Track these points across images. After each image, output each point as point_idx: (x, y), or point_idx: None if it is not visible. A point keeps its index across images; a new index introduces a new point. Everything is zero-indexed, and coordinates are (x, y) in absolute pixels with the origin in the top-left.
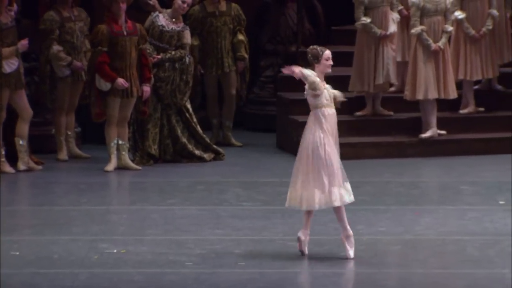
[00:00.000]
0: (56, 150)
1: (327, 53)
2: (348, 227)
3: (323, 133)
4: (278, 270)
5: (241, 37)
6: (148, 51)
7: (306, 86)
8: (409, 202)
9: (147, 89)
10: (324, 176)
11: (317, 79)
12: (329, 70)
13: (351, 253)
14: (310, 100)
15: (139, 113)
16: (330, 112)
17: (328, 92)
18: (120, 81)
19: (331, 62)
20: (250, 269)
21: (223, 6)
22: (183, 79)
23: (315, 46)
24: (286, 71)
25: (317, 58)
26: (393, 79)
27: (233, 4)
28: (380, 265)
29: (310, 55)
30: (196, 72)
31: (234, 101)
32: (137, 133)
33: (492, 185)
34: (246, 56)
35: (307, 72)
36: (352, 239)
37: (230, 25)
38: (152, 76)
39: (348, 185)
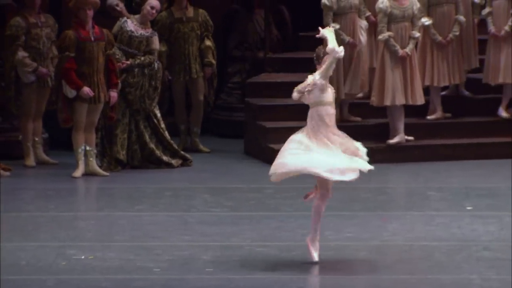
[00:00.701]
0: (24, 156)
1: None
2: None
3: (326, 130)
4: (246, 276)
5: (208, 43)
6: (117, 56)
7: (316, 76)
8: (376, 208)
9: (114, 94)
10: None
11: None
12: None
13: (316, 255)
14: (315, 96)
15: (106, 118)
16: (332, 111)
17: (331, 91)
18: (86, 89)
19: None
20: (218, 275)
21: (190, 12)
22: (152, 84)
23: (322, 47)
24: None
25: (322, 57)
26: (365, 86)
27: (201, 10)
28: (347, 271)
29: (322, 53)
30: (163, 78)
31: (202, 107)
32: (106, 139)
33: (459, 191)
34: (214, 62)
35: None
36: (318, 243)
37: (198, 31)
38: (119, 81)
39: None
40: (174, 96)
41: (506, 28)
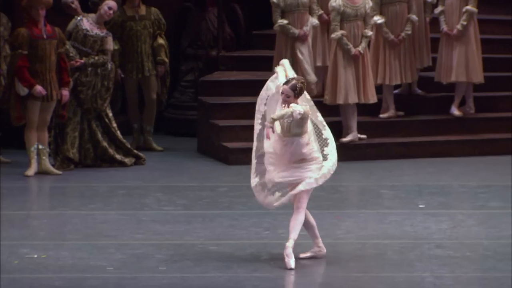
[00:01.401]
0: None
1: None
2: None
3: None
4: (199, 274)
5: (161, 41)
6: (71, 54)
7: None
8: (330, 206)
9: (65, 93)
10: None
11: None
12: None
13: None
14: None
15: (58, 117)
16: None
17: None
18: (38, 88)
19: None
20: (172, 274)
21: (142, 10)
22: (104, 84)
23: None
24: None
25: (301, 93)
26: (313, 79)
27: (153, 8)
28: (301, 269)
29: (299, 87)
30: (116, 76)
31: (155, 106)
32: (59, 137)
33: (411, 189)
34: (167, 60)
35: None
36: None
37: (150, 29)
38: (70, 80)
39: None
40: (126, 95)
41: (459, 27)
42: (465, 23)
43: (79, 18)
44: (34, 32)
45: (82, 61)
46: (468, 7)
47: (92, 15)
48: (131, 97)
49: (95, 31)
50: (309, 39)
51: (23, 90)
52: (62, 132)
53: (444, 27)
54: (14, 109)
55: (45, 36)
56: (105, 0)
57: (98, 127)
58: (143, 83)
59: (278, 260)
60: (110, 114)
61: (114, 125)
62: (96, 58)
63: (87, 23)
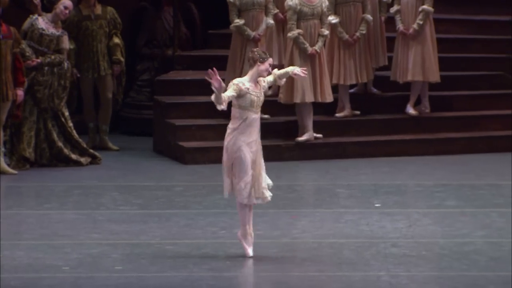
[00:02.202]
0: None
1: (271, 60)
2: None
3: (237, 133)
4: (155, 274)
5: (116, 40)
6: (27, 54)
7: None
8: (285, 205)
9: (20, 93)
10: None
11: (237, 88)
12: (264, 76)
13: (250, 250)
14: (234, 99)
15: (12, 117)
16: (249, 115)
17: (250, 97)
18: None
19: (268, 71)
20: (128, 273)
21: (98, 10)
22: (61, 84)
23: (260, 49)
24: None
25: (260, 60)
26: None
27: (109, 8)
28: (257, 268)
29: (256, 55)
30: (72, 76)
31: (111, 105)
32: (15, 137)
33: (367, 188)
34: (122, 59)
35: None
36: (250, 238)
37: (106, 29)
38: (25, 80)
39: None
40: (82, 94)
41: (415, 26)
42: (421, 22)
43: (34, 17)
44: None
45: (39, 60)
46: (425, 6)
47: (48, 15)
48: (87, 97)
49: (51, 30)
50: (263, 40)
51: None
52: (18, 131)
53: (400, 26)
54: None
55: (0, 36)
56: None
57: (54, 126)
58: (99, 83)
59: (234, 259)
60: (66, 113)
61: (70, 124)
62: (53, 57)
63: (42, 22)
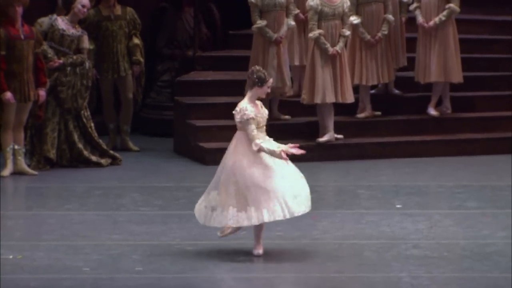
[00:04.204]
0: None
1: (271, 81)
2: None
3: (245, 156)
4: (176, 275)
5: (136, 41)
6: (49, 55)
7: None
8: None
9: (42, 93)
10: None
11: (251, 113)
12: (264, 97)
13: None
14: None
15: (34, 117)
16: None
17: (257, 119)
18: (8, 95)
19: (269, 90)
20: (148, 274)
21: (118, 10)
22: (83, 83)
23: (259, 69)
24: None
25: (262, 82)
26: (288, 82)
27: (128, 8)
28: (278, 269)
29: (255, 76)
30: (92, 77)
31: (132, 105)
32: (35, 137)
33: (388, 189)
34: (142, 60)
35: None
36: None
37: (126, 29)
38: (47, 80)
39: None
40: (102, 95)
41: (436, 20)
42: (444, 18)
43: (53, 18)
44: (12, 32)
45: (61, 61)
46: (451, 4)
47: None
48: (107, 97)
49: (72, 30)
50: (285, 42)
51: None
52: (39, 132)
53: (420, 19)
54: None
55: (22, 37)
56: None
57: (76, 128)
58: (119, 83)
59: (254, 260)
60: (87, 114)
61: (91, 124)
62: (74, 57)
63: (62, 22)
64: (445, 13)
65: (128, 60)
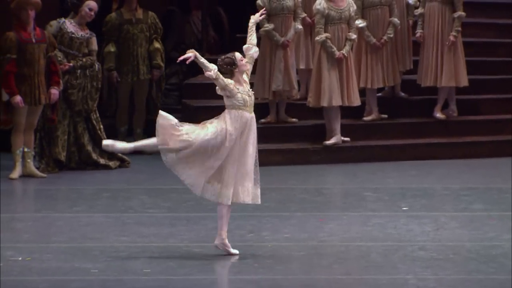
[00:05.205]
0: None
1: (238, 54)
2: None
3: (227, 134)
4: (184, 277)
5: (157, 45)
6: (59, 58)
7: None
8: (313, 208)
9: (55, 91)
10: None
11: (227, 81)
12: (246, 68)
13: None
14: (224, 99)
15: (47, 120)
16: (243, 115)
17: (242, 96)
18: (18, 98)
19: (245, 60)
20: (156, 276)
21: (139, 14)
22: (93, 85)
23: (223, 56)
24: (180, 59)
25: (233, 63)
26: (295, 85)
27: (150, 12)
28: (285, 271)
29: (225, 65)
30: (112, 79)
31: (145, 109)
32: (44, 140)
33: (395, 192)
34: (162, 64)
35: (220, 76)
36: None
37: (147, 33)
38: (60, 80)
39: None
40: (119, 98)
41: (454, 33)
42: (459, 29)
43: (61, 21)
44: (23, 36)
45: (71, 64)
46: (459, 12)
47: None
48: (123, 101)
49: (80, 33)
50: (292, 45)
51: (4, 95)
52: (49, 135)
53: (419, 31)
54: (1, 112)
55: (34, 40)
56: (85, 1)
57: (85, 130)
58: (136, 86)
59: (261, 262)
60: (97, 116)
61: (101, 126)
62: (84, 60)
63: (70, 25)
64: (457, 23)
65: (148, 64)
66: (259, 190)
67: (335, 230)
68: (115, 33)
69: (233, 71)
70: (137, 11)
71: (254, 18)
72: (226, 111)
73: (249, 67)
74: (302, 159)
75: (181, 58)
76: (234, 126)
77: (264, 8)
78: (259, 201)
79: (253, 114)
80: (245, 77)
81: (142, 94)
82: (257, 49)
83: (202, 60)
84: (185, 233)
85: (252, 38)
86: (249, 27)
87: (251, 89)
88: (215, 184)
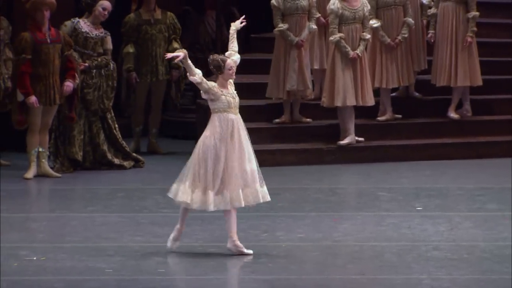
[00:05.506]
0: None
1: (229, 62)
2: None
3: (216, 137)
4: (198, 276)
5: (176, 45)
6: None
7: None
8: (327, 208)
9: (68, 83)
10: (213, 178)
11: (210, 85)
12: (232, 78)
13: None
14: (209, 103)
15: (66, 118)
16: (229, 117)
17: (226, 98)
18: (33, 99)
19: (233, 71)
20: (171, 276)
21: (158, 14)
22: (109, 84)
23: (215, 57)
24: (169, 55)
25: (220, 68)
26: (310, 85)
27: (169, 13)
28: (299, 271)
29: (212, 66)
30: (131, 80)
31: (161, 109)
32: (59, 139)
33: (409, 191)
34: (181, 64)
35: (203, 80)
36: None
37: (165, 33)
38: (77, 75)
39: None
40: (136, 98)
41: (470, 34)
42: (475, 29)
43: (75, 21)
44: (38, 36)
45: (86, 64)
46: (473, 12)
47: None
48: (141, 101)
49: (95, 32)
50: (306, 45)
51: (19, 96)
52: (64, 135)
53: (431, 32)
54: (16, 113)
55: (49, 41)
56: (99, 0)
57: (100, 130)
58: (155, 87)
59: (275, 262)
60: (112, 115)
61: (116, 126)
62: (99, 59)
63: (84, 25)
64: (472, 23)
65: (167, 64)
66: (265, 187)
67: (349, 230)
68: (134, 34)
69: (217, 75)
70: (155, 11)
71: (235, 26)
72: (211, 115)
73: (236, 60)
74: (316, 159)
75: (170, 55)
76: (220, 128)
77: (244, 16)
78: (268, 198)
79: (238, 116)
80: (230, 80)
81: (159, 95)
82: (239, 56)
83: (189, 62)
84: (200, 232)
85: (233, 45)
86: (230, 34)
87: (235, 91)
88: (224, 192)
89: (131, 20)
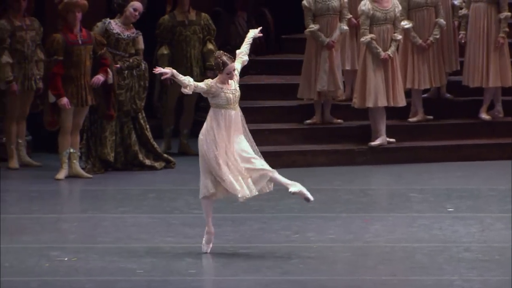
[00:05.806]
0: (7, 158)
1: (229, 67)
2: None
3: (216, 132)
4: (229, 277)
5: (210, 46)
6: None
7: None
8: (358, 209)
9: (98, 76)
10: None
11: (207, 86)
12: (230, 79)
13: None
14: (209, 99)
15: (105, 116)
16: (227, 112)
17: (226, 95)
18: (64, 100)
19: (231, 76)
20: (201, 277)
21: (192, 16)
22: (141, 85)
23: (221, 56)
24: (157, 71)
25: (219, 68)
26: (341, 85)
27: (203, 14)
28: (330, 272)
29: (215, 63)
30: (166, 82)
31: (194, 110)
32: (91, 140)
33: (440, 193)
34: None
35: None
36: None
37: (200, 34)
38: (110, 71)
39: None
40: (168, 99)
41: (502, 35)
42: (507, 29)
43: (107, 22)
44: (69, 38)
45: (118, 65)
46: (505, 13)
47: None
48: (173, 102)
49: (126, 33)
50: (337, 46)
51: (51, 97)
52: (95, 135)
53: (462, 33)
54: (48, 114)
55: (80, 42)
56: (130, 1)
57: (131, 131)
58: None
59: (307, 263)
60: (143, 115)
61: (147, 126)
62: (131, 60)
63: (116, 26)
64: (504, 24)
65: (202, 65)
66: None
67: (380, 231)
68: (168, 35)
69: (219, 72)
70: (190, 12)
71: (254, 32)
72: (210, 109)
73: (237, 67)
74: (347, 160)
75: (158, 71)
76: (218, 122)
77: (261, 28)
78: (271, 187)
79: (237, 110)
80: (235, 77)
81: (192, 96)
82: (247, 58)
83: (179, 77)
84: (231, 233)
85: (246, 46)
86: (246, 37)
87: (238, 85)
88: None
89: (166, 22)
